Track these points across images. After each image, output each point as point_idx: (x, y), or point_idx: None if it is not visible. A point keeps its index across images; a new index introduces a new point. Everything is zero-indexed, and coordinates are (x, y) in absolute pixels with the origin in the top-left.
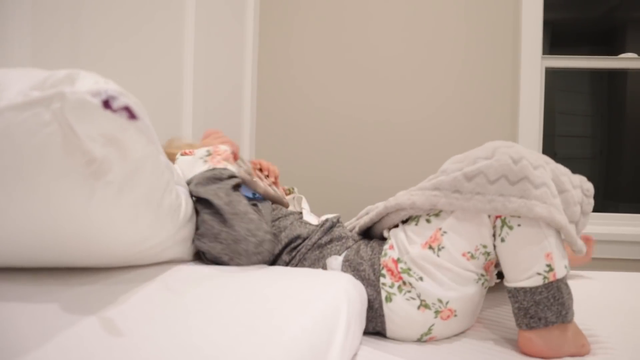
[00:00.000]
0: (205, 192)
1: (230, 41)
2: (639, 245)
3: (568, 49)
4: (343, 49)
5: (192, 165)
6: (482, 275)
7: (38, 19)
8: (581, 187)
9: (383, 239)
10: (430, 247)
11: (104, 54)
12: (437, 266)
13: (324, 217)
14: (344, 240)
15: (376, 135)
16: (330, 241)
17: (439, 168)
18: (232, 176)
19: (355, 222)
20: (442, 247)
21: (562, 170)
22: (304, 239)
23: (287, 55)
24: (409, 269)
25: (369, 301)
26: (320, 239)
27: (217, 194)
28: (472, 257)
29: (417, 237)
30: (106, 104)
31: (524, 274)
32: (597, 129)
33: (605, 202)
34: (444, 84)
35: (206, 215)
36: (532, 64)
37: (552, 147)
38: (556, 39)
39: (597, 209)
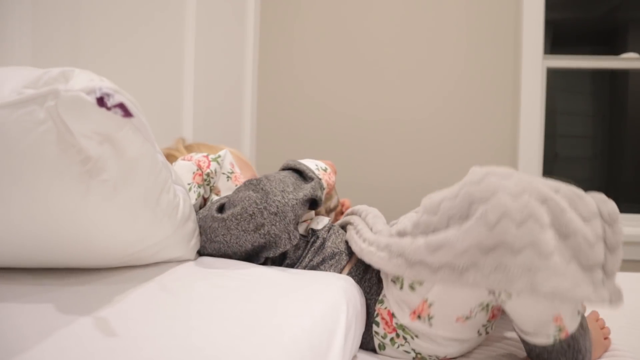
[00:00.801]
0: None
1: (230, 39)
2: None
3: (569, 48)
4: (344, 47)
5: (188, 171)
6: (485, 326)
7: (38, 19)
8: (600, 214)
9: None
10: (420, 317)
11: (104, 53)
12: (430, 333)
13: (312, 225)
14: (337, 258)
15: (377, 133)
16: (323, 261)
17: (438, 169)
18: (317, 197)
19: (342, 219)
20: (432, 317)
21: (568, 201)
22: (294, 262)
23: (288, 53)
24: (404, 327)
25: (363, 343)
26: (311, 260)
27: (308, 190)
28: (468, 318)
29: (404, 304)
30: (101, 101)
31: (531, 332)
32: (599, 129)
33: None
34: (445, 83)
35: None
36: (533, 64)
37: (553, 147)
38: (557, 38)
39: None
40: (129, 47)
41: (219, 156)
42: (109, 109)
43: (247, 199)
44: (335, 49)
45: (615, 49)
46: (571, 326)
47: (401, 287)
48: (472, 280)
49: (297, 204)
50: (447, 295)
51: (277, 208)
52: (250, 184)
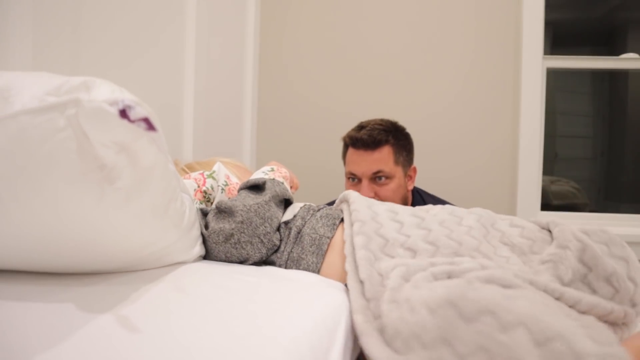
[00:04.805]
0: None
1: (230, 41)
2: None
3: (569, 49)
4: (345, 48)
5: (189, 188)
6: None
7: (39, 20)
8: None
9: None
10: None
11: (105, 55)
12: None
13: (287, 215)
14: (317, 244)
15: None
16: (302, 250)
17: (438, 169)
18: (278, 192)
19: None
20: None
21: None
22: (274, 261)
23: (288, 54)
24: None
25: None
26: (291, 252)
27: (276, 191)
28: None
29: None
30: (123, 113)
31: None
32: (598, 129)
33: (606, 203)
34: (445, 84)
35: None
36: (533, 65)
37: (553, 147)
38: (557, 39)
39: (598, 209)
40: (130, 49)
41: (214, 171)
42: (131, 121)
43: (219, 221)
44: (336, 50)
45: (615, 50)
46: None
47: None
48: None
49: (259, 206)
50: None
51: (242, 216)
52: (218, 210)
